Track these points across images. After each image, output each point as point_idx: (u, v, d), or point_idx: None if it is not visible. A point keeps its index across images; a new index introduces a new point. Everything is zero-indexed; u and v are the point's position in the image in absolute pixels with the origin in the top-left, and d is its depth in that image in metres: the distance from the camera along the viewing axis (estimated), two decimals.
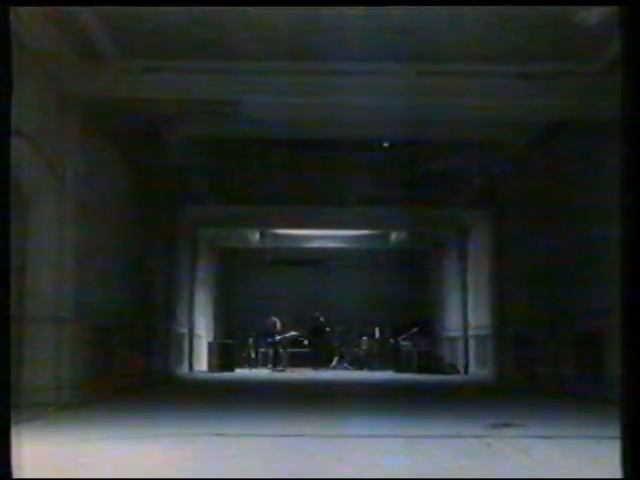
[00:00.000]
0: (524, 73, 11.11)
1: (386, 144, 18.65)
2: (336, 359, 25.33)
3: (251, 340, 24.93)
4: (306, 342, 24.87)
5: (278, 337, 23.53)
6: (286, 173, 18.92)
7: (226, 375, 20.69)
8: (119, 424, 8.07)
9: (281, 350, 23.45)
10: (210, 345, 23.23)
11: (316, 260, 28.95)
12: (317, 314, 25.65)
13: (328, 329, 25.75)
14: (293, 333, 24.06)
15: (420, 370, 22.13)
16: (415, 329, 23.74)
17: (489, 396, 14.14)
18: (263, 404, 11.34)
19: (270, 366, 23.32)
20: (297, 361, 24.21)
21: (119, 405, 10.62)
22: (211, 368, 22.22)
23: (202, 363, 22.71)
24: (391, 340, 24.93)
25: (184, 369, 20.41)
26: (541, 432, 7.30)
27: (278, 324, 24.01)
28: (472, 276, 21.82)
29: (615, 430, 3.34)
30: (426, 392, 15.43)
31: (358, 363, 25.03)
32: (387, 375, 21.77)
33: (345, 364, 25.07)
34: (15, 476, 3.10)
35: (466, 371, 21.64)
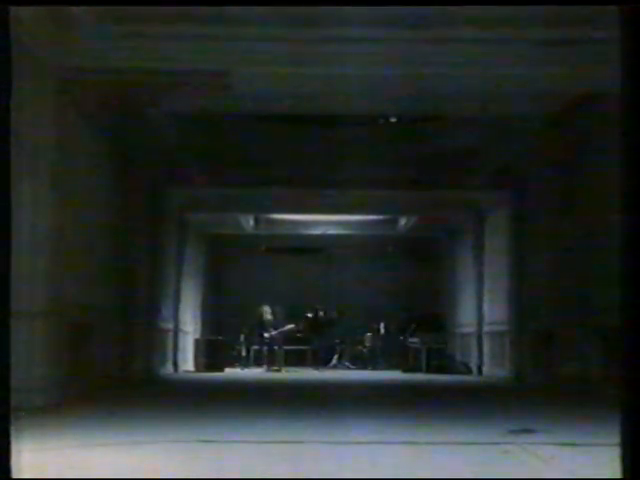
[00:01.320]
0: (545, 40, 10.95)
1: (393, 119, 18.55)
2: (337, 357, 25.34)
3: (242, 337, 24.89)
4: (304, 338, 24.82)
5: (274, 332, 23.47)
6: (283, 152, 18.83)
7: (215, 375, 20.68)
8: (96, 430, 8.04)
9: (276, 347, 23.38)
10: (197, 342, 23.21)
11: (316, 248, 28.92)
12: (317, 307, 25.62)
13: (328, 324, 25.71)
14: (290, 326, 23.99)
15: (429, 370, 22.14)
16: (424, 325, 23.71)
17: (506, 398, 14.13)
18: (256, 408, 11.31)
19: (264, 365, 23.30)
20: (294, 360, 24.19)
21: (96, 409, 10.59)
22: (198, 368, 22.22)
23: (188, 362, 22.69)
24: (398, 337, 24.90)
25: (168, 369, 20.39)
26: (566, 439, 7.24)
27: (268, 314, 23.88)
28: (488, 266, 21.79)
29: None
30: (436, 394, 15.42)
31: (361, 362, 25.04)
32: (393, 375, 21.77)
33: (347, 363, 25.07)
34: (14, 476, 3.27)
35: (480, 371, 21.62)
